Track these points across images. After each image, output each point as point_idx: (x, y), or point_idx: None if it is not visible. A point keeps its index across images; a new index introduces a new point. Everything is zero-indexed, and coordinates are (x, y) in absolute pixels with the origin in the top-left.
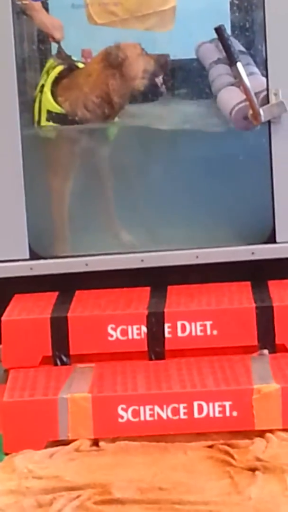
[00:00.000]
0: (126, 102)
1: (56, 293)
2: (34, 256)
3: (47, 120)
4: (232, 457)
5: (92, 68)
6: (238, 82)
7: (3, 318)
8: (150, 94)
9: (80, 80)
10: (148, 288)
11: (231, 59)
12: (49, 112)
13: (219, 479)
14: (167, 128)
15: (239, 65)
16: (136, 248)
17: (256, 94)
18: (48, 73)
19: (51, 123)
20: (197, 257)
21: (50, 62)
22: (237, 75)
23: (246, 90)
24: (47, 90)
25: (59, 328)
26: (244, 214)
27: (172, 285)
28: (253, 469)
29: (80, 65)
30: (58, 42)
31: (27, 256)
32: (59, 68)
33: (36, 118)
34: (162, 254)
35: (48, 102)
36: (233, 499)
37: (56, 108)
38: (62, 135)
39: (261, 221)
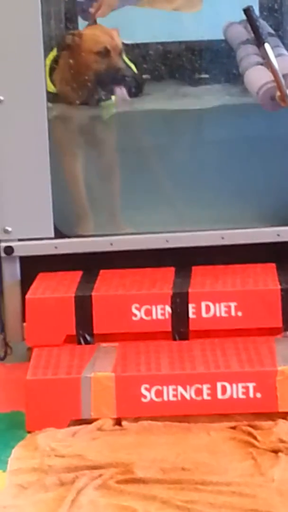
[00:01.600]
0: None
1: (81, 272)
2: (59, 235)
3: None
4: (255, 438)
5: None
6: (266, 63)
7: (27, 296)
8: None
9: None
10: (173, 269)
11: (259, 40)
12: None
13: (242, 460)
14: (193, 108)
15: (267, 46)
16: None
17: (284, 75)
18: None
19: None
20: (222, 238)
21: None
22: (265, 56)
23: (274, 72)
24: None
25: (83, 307)
26: (270, 196)
27: (197, 265)
28: (276, 451)
29: None
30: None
31: (52, 235)
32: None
33: None
34: (187, 235)
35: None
36: (256, 480)
37: (51, 88)
38: (65, 116)
39: (287, 203)
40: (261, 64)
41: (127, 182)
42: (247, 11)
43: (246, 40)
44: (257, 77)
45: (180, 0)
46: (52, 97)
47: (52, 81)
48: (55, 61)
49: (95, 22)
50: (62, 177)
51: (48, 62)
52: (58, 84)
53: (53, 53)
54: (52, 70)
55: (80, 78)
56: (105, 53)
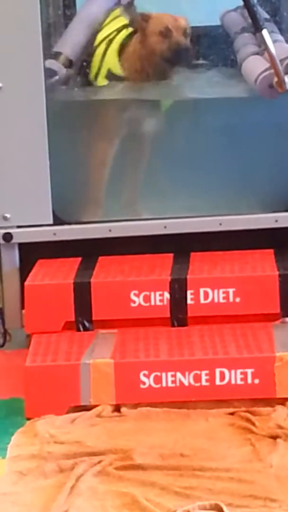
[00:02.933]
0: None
1: (79, 259)
2: (58, 221)
3: (106, 77)
4: (254, 424)
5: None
6: (263, 49)
7: (26, 283)
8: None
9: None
10: (171, 255)
11: (256, 26)
12: (109, 71)
13: (240, 446)
14: (191, 97)
15: (264, 32)
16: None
17: (281, 61)
18: (118, 30)
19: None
20: (220, 224)
21: (121, 18)
22: (262, 42)
23: (271, 57)
24: (114, 48)
25: (82, 294)
26: (268, 182)
27: (195, 251)
28: (274, 437)
29: None
30: None
31: (51, 222)
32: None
33: (94, 72)
34: (185, 221)
35: (112, 60)
36: (254, 466)
37: (117, 70)
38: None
39: (285, 189)
40: (258, 54)
41: (128, 169)
42: None
43: (242, 29)
44: (254, 67)
45: None
46: (115, 79)
47: (120, 64)
48: (123, 44)
49: None
50: (63, 163)
51: (116, 45)
52: (126, 67)
53: (122, 35)
54: (120, 52)
55: (147, 60)
56: (167, 33)
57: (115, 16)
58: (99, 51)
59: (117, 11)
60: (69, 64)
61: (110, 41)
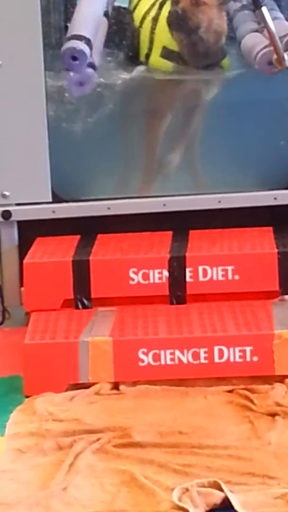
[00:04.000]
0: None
1: (78, 237)
2: (56, 199)
3: (161, 56)
4: (252, 402)
5: None
6: (262, 27)
7: (25, 260)
8: None
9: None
10: (170, 233)
11: (256, 3)
12: (164, 48)
13: (239, 423)
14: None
15: (264, 9)
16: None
17: (280, 38)
18: (160, 4)
19: (167, 61)
20: (219, 201)
21: None
22: (262, 20)
23: (270, 34)
24: (163, 25)
25: (81, 271)
26: (267, 160)
27: (194, 229)
28: (273, 414)
29: None
30: None
31: (50, 199)
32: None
33: (144, 53)
34: (184, 199)
35: (165, 36)
36: (253, 443)
37: (173, 45)
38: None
39: (284, 167)
40: (257, 31)
41: (128, 146)
42: None
43: (242, 6)
44: (253, 43)
45: None
46: (173, 56)
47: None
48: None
49: None
50: (64, 141)
51: (164, 21)
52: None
53: (167, 8)
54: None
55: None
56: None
57: None
58: (145, 31)
59: None
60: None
61: (155, 19)
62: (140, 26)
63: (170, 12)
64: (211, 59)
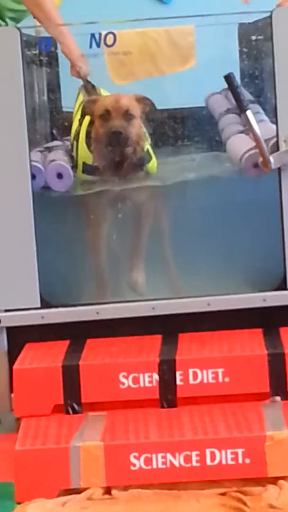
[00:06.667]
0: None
1: (68, 342)
2: (45, 304)
3: (83, 172)
4: (245, 504)
5: None
6: (247, 129)
7: (14, 366)
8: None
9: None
10: (159, 336)
11: (240, 107)
12: (84, 164)
13: None
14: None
15: (248, 112)
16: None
17: (266, 141)
18: (80, 121)
19: (86, 176)
20: (208, 304)
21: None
22: (247, 123)
23: (256, 137)
24: (82, 140)
25: (71, 377)
26: (255, 261)
27: (183, 332)
28: None
29: None
30: (84, 77)
31: (39, 305)
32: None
33: (75, 167)
34: (173, 302)
35: (84, 153)
36: None
37: (89, 160)
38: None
39: (272, 268)
40: (243, 132)
41: (117, 249)
42: (228, 78)
43: (227, 110)
44: (239, 145)
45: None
46: (92, 171)
47: (89, 150)
48: (88, 133)
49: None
50: (49, 247)
51: (83, 136)
52: (95, 155)
53: (85, 125)
54: (88, 143)
55: (97, 144)
56: (107, 116)
57: (80, 103)
58: (74, 146)
59: (81, 96)
60: None
61: (78, 133)
62: (74, 141)
63: (107, 131)
64: (129, 168)
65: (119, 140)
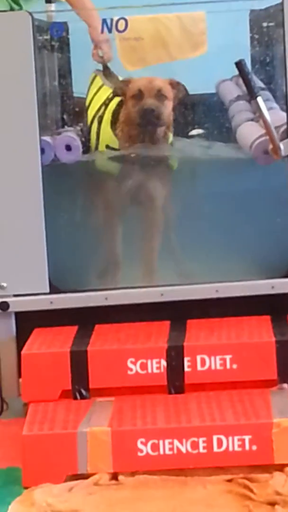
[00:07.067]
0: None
1: (76, 327)
2: (54, 290)
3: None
4: (252, 491)
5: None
6: (258, 116)
7: (23, 352)
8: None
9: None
10: (167, 322)
11: (251, 93)
12: (107, 147)
13: None
14: (187, 161)
15: (259, 99)
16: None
17: (276, 128)
18: (105, 103)
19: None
20: (217, 291)
21: (106, 89)
22: (257, 110)
23: (266, 124)
24: (106, 124)
25: (79, 362)
26: (264, 248)
27: (191, 319)
28: (272, 503)
29: None
30: (107, 62)
31: (47, 290)
32: (117, 99)
33: (93, 148)
34: (181, 288)
35: (107, 136)
36: None
37: (115, 143)
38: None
39: (281, 255)
40: (253, 120)
41: (124, 235)
42: (239, 64)
43: (237, 97)
44: (249, 132)
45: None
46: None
47: (115, 135)
48: (114, 116)
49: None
50: (58, 232)
51: (108, 120)
52: (120, 136)
53: (110, 108)
54: (113, 126)
55: (128, 126)
56: (140, 95)
57: (98, 87)
58: (93, 129)
59: (98, 80)
60: None
61: (101, 117)
62: (91, 125)
63: (141, 108)
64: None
65: (151, 117)
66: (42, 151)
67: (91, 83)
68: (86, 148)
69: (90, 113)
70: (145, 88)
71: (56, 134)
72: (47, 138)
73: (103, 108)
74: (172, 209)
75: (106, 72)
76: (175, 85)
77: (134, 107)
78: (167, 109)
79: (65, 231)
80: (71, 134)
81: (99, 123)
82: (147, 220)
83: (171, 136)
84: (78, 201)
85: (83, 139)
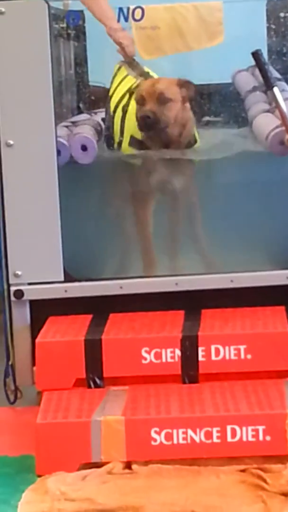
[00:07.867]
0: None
1: (90, 316)
2: (68, 278)
3: (129, 145)
4: (265, 481)
5: None
6: (274, 107)
7: (37, 340)
8: None
9: None
10: (182, 312)
11: (267, 84)
12: (132, 137)
13: (252, 503)
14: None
15: (275, 89)
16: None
17: None
18: (130, 92)
19: (132, 149)
20: (231, 281)
21: (130, 79)
22: (274, 100)
23: (282, 115)
24: (131, 114)
25: (93, 351)
26: (279, 239)
27: (206, 308)
28: (286, 494)
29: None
30: (130, 57)
31: (62, 279)
32: None
33: (117, 140)
34: (196, 278)
35: (132, 126)
36: None
37: (139, 134)
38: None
39: None
40: (269, 111)
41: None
42: (256, 54)
43: (253, 88)
44: (265, 123)
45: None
46: (139, 145)
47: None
48: None
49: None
50: (73, 221)
51: (133, 110)
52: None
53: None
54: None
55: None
56: (142, 101)
57: (122, 77)
58: (117, 119)
59: (123, 70)
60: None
61: (126, 106)
62: (114, 113)
63: (139, 116)
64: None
65: (149, 123)
66: (58, 153)
67: (116, 72)
68: (107, 137)
69: (113, 101)
70: (146, 93)
71: (71, 125)
72: (62, 140)
73: (127, 96)
74: (196, 200)
75: (132, 64)
76: (183, 84)
77: (137, 113)
78: (171, 111)
79: (80, 220)
80: (86, 134)
81: (124, 112)
82: (173, 211)
83: (194, 131)
84: (95, 192)
85: (98, 128)
